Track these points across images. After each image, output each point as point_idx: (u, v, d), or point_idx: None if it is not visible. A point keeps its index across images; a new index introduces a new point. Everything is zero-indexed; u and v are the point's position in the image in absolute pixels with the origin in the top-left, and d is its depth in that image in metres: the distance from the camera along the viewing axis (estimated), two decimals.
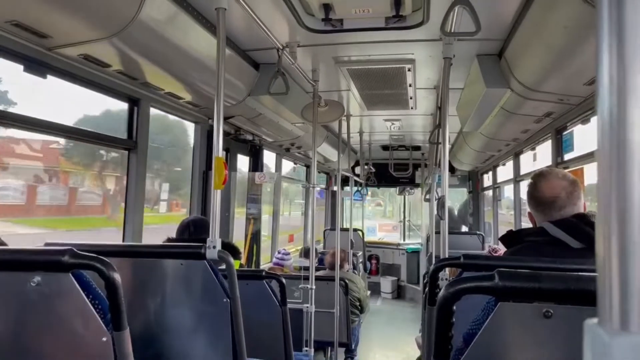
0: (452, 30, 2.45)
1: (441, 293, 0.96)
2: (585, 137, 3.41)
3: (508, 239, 1.88)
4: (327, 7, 2.63)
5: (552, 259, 1.50)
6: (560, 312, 0.90)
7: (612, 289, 0.41)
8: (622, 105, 0.40)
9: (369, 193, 11.32)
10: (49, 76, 2.54)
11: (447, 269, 2.22)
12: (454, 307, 0.96)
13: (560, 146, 3.79)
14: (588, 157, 3.31)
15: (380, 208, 16.96)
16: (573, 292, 0.87)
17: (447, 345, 0.97)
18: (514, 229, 1.90)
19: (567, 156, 3.69)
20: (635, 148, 0.40)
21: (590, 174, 3.31)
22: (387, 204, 17.33)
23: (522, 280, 0.89)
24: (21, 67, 2.38)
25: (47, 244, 1.81)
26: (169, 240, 2.77)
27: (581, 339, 0.89)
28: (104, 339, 1.22)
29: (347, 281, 4.73)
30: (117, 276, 1.19)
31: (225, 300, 1.88)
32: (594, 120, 3.23)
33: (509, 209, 6.74)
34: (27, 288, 1.22)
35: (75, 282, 1.21)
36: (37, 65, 2.43)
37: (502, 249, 4.86)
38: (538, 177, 1.87)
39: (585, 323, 0.44)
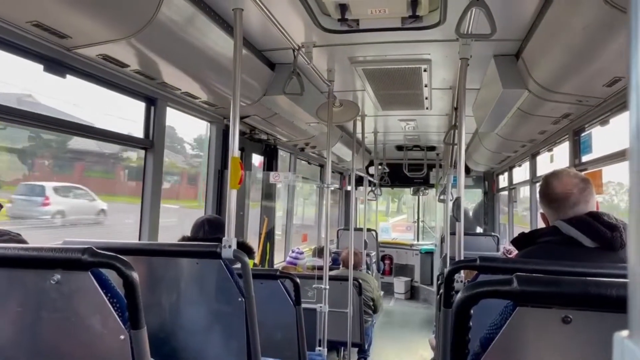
0: (469, 32, 2.44)
1: (458, 296, 0.95)
2: (604, 138, 3.36)
3: (520, 240, 1.86)
4: (343, 7, 2.63)
5: (571, 262, 1.48)
6: (579, 318, 0.88)
7: None
8: None
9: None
10: (68, 76, 2.57)
11: (462, 271, 2.20)
12: (472, 311, 0.95)
13: (578, 148, 3.73)
14: (607, 159, 3.26)
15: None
16: (593, 297, 0.86)
17: (463, 348, 0.96)
18: (525, 232, 1.89)
19: (585, 158, 3.64)
20: None
21: (612, 172, 3.27)
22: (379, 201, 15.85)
23: (541, 285, 0.88)
24: (41, 66, 2.42)
25: (65, 242, 1.84)
26: (183, 238, 2.79)
27: (601, 345, 0.88)
28: (122, 337, 1.24)
29: (360, 281, 4.72)
30: (135, 275, 1.20)
31: (240, 299, 1.88)
32: (613, 121, 3.18)
33: (525, 210, 6.67)
34: (47, 286, 1.24)
35: (94, 281, 1.22)
36: (57, 65, 2.47)
37: (516, 251, 4.81)
38: (550, 176, 1.90)
39: (615, 337, 0.41)
